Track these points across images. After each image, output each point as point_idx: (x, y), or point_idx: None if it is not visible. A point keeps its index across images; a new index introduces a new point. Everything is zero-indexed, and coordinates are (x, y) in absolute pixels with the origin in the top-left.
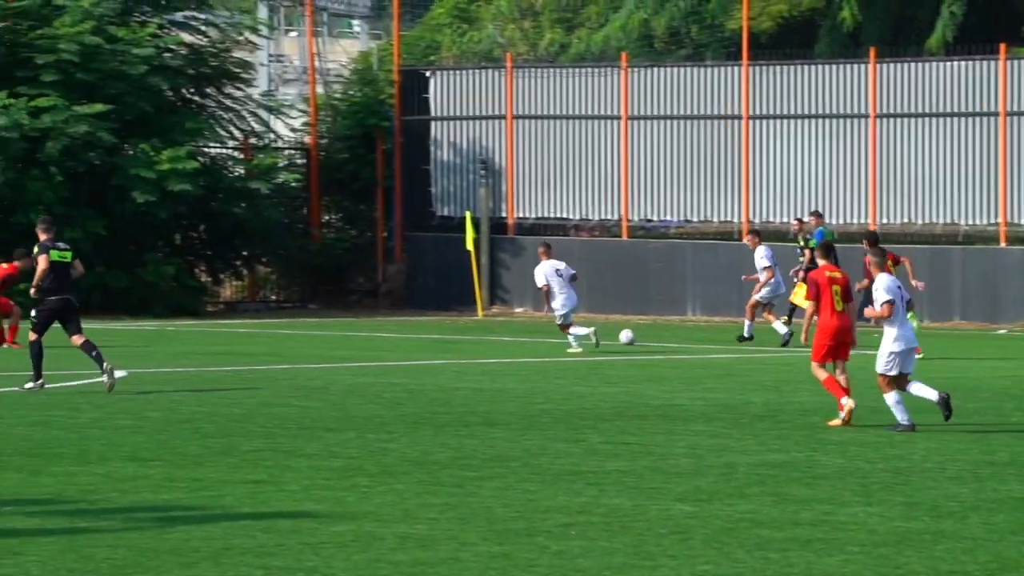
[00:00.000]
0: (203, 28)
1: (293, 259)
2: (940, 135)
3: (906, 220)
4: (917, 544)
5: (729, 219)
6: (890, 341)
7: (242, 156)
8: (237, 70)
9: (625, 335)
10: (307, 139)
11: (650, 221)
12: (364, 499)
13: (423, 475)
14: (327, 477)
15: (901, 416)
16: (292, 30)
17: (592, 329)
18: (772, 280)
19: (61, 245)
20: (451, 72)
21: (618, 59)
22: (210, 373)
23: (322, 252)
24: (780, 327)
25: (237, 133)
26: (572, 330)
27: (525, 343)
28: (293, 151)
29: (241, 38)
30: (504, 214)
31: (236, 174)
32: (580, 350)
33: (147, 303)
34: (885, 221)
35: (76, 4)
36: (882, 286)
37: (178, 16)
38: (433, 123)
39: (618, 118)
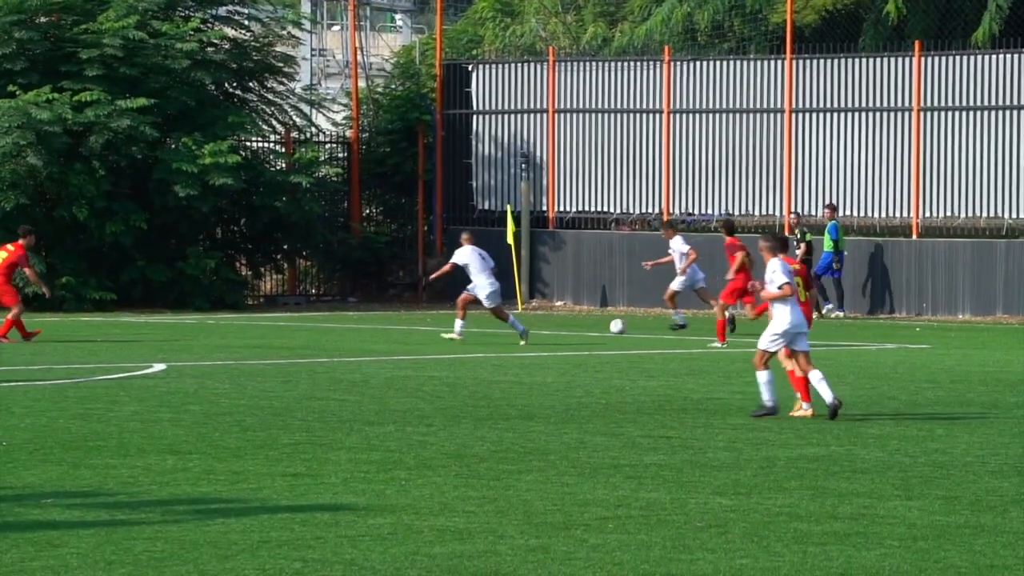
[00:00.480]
0: (246, 22)
1: (333, 253)
2: (985, 128)
3: (949, 214)
4: (957, 538)
5: (771, 213)
6: (779, 322)
7: (283, 150)
8: (279, 64)
9: (615, 325)
10: (349, 133)
11: (692, 215)
12: (402, 492)
13: (461, 468)
14: (366, 470)
15: (767, 396)
16: (335, 24)
17: (461, 331)
18: (684, 270)
19: None
20: (493, 66)
21: (661, 53)
22: (250, 366)
23: (362, 246)
24: (678, 317)
25: (279, 127)
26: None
27: (564, 336)
28: (334, 145)
29: (284, 32)
30: (545, 208)
31: (277, 168)
32: (460, 338)
33: (188, 296)
34: (928, 215)
35: None
36: (779, 268)
37: (221, 11)
38: (475, 117)
39: (660, 112)
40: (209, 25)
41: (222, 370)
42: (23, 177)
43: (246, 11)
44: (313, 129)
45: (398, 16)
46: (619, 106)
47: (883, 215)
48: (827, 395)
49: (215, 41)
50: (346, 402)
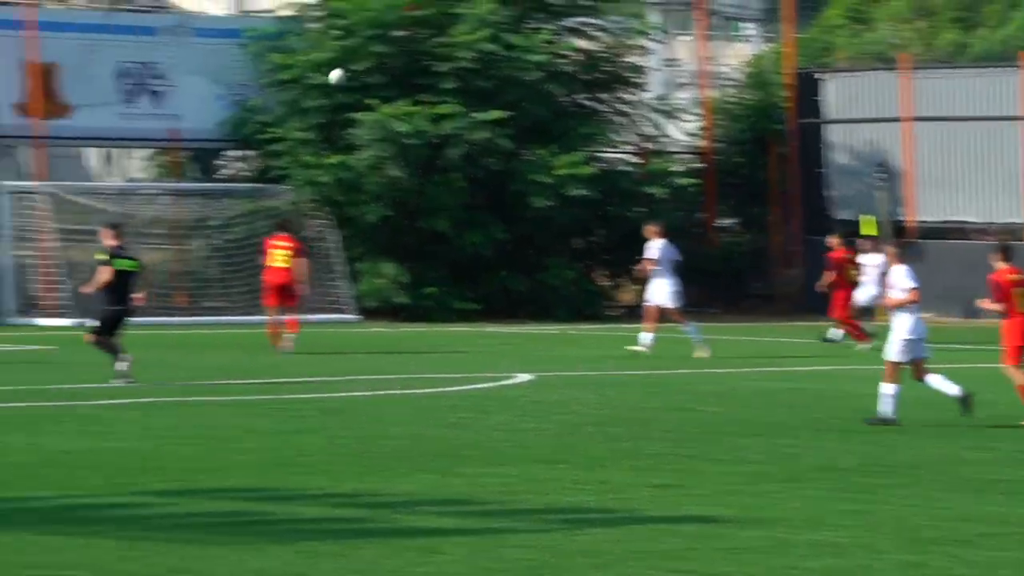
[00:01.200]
0: (595, 33)
1: (690, 264)
2: None
3: None
4: None
5: None
6: (904, 329)
7: (637, 160)
8: (630, 75)
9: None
10: (701, 143)
11: None
12: (772, 505)
13: (831, 481)
14: (733, 482)
15: (885, 407)
16: (684, 34)
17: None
18: None
19: (129, 254)
20: (844, 74)
21: (1017, 59)
22: (612, 376)
23: (719, 256)
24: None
25: (631, 137)
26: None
27: (930, 349)
28: (688, 155)
29: (633, 43)
30: (903, 218)
31: (632, 178)
32: (643, 350)
33: (548, 307)
34: None
35: (472, 13)
36: (907, 274)
37: (571, 22)
38: (826, 126)
39: (1019, 119)
40: (559, 37)
41: (585, 380)
42: (386, 189)
43: (595, 22)
44: (666, 139)
45: (748, 24)
46: (975, 113)
47: None
48: (953, 390)
49: (565, 53)
50: (710, 413)
